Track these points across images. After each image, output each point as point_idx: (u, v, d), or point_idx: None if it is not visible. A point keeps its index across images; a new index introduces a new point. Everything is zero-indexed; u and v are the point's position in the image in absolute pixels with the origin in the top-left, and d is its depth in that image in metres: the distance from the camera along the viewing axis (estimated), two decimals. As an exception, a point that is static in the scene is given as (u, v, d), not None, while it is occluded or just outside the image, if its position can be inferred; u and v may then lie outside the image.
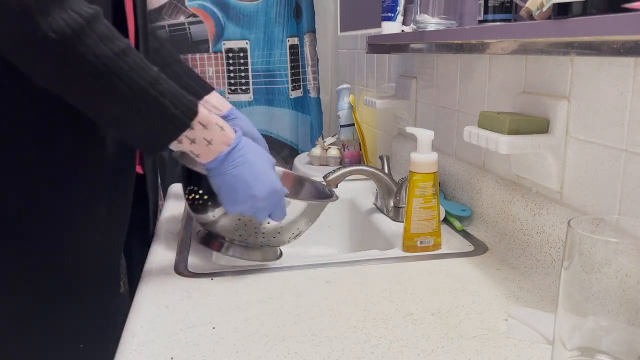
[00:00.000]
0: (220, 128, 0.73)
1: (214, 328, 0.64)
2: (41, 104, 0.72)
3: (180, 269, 0.81)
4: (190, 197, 0.85)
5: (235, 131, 0.75)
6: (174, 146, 0.71)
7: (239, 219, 0.81)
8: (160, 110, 0.67)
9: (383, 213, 1.09)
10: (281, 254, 0.93)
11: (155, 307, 0.69)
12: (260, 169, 0.75)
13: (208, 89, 1.06)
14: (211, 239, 0.88)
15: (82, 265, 0.81)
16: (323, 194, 0.99)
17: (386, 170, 1.13)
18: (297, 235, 0.88)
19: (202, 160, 0.73)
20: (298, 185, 1.05)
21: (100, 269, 0.85)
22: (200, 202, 0.83)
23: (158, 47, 1.04)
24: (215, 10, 1.82)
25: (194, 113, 0.70)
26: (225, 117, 1.07)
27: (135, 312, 0.68)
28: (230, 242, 0.86)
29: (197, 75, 1.08)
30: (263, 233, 0.83)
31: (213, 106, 1.07)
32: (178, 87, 0.70)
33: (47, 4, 0.59)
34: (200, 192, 0.83)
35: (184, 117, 0.69)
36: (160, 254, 0.88)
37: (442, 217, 0.94)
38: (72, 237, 0.78)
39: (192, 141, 0.71)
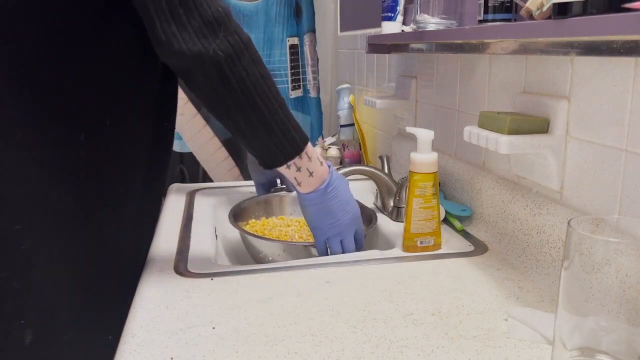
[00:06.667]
0: (320, 162, 0.83)
1: (214, 328, 0.64)
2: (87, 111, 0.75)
3: (180, 269, 0.81)
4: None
5: (329, 166, 0.85)
6: (283, 170, 0.80)
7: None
8: (284, 132, 0.77)
9: (383, 213, 1.09)
10: None
11: (155, 307, 0.69)
12: (345, 200, 0.87)
13: None
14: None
15: (114, 264, 0.82)
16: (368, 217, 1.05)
17: (386, 170, 1.13)
18: None
19: (302, 190, 0.83)
20: None
21: (130, 268, 0.86)
22: None
23: None
24: (215, 10, 1.82)
25: (306, 140, 0.80)
26: None
27: (135, 312, 0.68)
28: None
29: None
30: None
31: None
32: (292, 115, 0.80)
33: (217, 29, 0.70)
34: None
35: (300, 142, 0.79)
36: (161, 254, 0.88)
37: (442, 217, 0.94)
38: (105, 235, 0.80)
39: (298, 169, 0.81)
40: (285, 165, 0.80)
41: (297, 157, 0.79)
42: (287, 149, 0.79)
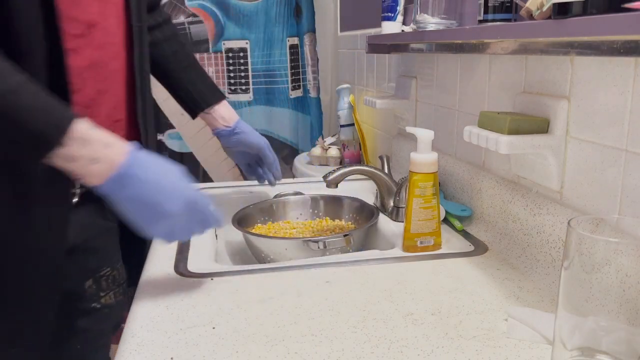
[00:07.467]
0: (105, 145, 0.65)
1: (214, 328, 0.64)
2: None
3: (180, 269, 0.81)
4: None
5: (130, 147, 0.68)
6: (51, 163, 0.64)
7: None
8: (16, 125, 0.61)
9: (383, 213, 1.09)
10: None
11: (155, 307, 0.69)
12: (166, 184, 0.68)
13: (219, 97, 1.08)
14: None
15: (16, 269, 0.75)
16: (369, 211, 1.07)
17: (386, 170, 1.13)
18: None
19: (90, 182, 0.66)
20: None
21: (36, 276, 0.77)
22: None
23: (177, 49, 1.06)
24: (215, 10, 1.82)
25: (62, 129, 0.63)
26: (231, 130, 1.08)
27: (135, 312, 0.68)
28: None
29: (211, 82, 1.10)
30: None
31: (220, 116, 1.08)
32: (49, 100, 0.64)
33: None
34: None
35: (54, 130, 0.62)
36: (160, 254, 0.88)
37: (442, 217, 0.94)
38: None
39: (72, 160, 0.64)
40: (46, 158, 0.63)
41: (57, 147, 0.62)
42: (33, 144, 0.62)
